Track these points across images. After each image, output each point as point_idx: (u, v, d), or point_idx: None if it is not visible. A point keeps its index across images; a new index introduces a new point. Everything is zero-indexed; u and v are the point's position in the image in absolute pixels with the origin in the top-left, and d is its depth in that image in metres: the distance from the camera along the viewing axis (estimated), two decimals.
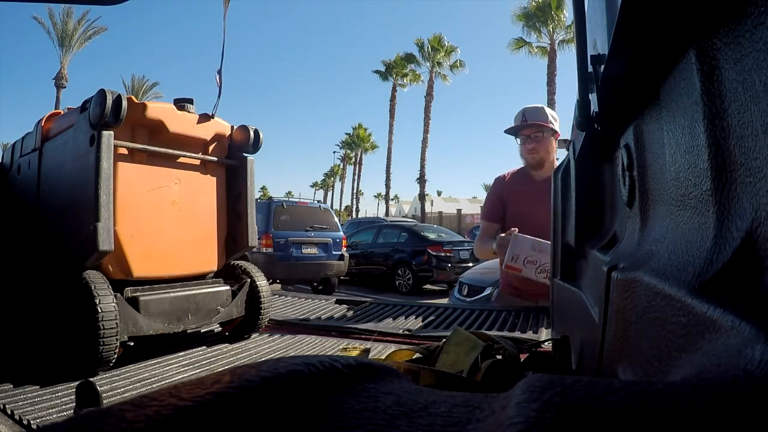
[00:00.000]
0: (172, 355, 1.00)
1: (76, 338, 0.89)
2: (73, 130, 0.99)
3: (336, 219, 7.74)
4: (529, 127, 1.81)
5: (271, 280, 6.18)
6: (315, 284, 7.36)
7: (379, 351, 1.05)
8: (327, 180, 50.01)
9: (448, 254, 7.99)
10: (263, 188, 40.94)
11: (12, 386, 0.77)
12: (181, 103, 1.09)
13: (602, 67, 0.45)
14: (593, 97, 0.53)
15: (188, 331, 1.05)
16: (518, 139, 1.86)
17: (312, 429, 0.16)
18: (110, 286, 0.88)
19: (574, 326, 0.77)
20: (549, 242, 1.34)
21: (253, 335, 1.19)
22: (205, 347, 1.08)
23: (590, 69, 0.50)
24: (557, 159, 1.89)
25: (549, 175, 1.88)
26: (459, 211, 23.30)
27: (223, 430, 0.14)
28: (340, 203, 42.33)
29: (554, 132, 1.84)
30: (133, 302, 0.94)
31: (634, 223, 0.53)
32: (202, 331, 1.21)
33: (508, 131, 1.90)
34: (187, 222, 1.10)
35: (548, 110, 1.84)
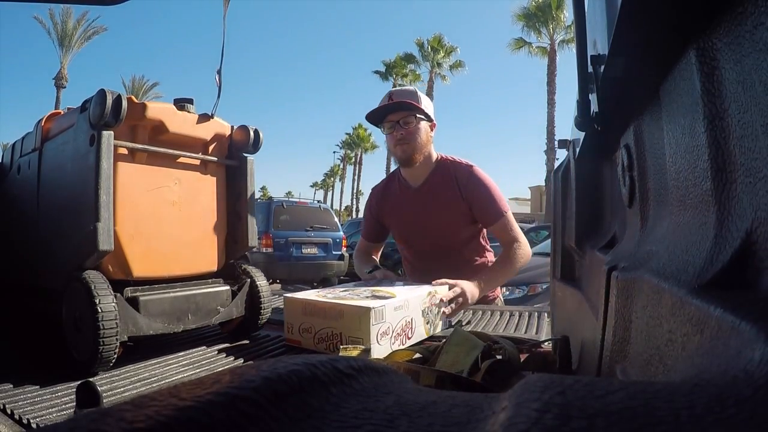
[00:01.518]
0: (172, 355, 1.00)
1: (76, 338, 0.89)
2: (73, 130, 0.99)
3: (336, 219, 7.73)
4: (397, 111, 1.40)
5: (271, 280, 6.18)
6: (315, 284, 7.35)
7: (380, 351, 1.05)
8: (327, 180, 50.02)
9: None
10: (263, 188, 40.94)
11: (12, 386, 0.77)
12: (181, 103, 1.08)
13: (602, 67, 0.45)
14: (593, 97, 0.53)
15: (188, 331, 1.05)
16: (384, 129, 1.45)
17: (312, 429, 0.16)
18: (110, 286, 0.88)
19: (574, 326, 0.77)
20: (329, 300, 1.00)
21: (253, 335, 1.19)
22: (205, 347, 1.07)
23: (590, 69, 0.50)
24: (446, 154, 1.53)
25: (427, 176, 1.50)
26: None
27: (223, 431, 0.14)
28: (340, 203, 42.37)
29: (429, 119, 1.46)
30: (133, 302, 0.94)
31: (634, 223, 0.53)
32: (202, 331, 1.21)
33: (369, 117, 1.45)
34: (187, 222, 1.10)
35: (422, 94, 1.47)
